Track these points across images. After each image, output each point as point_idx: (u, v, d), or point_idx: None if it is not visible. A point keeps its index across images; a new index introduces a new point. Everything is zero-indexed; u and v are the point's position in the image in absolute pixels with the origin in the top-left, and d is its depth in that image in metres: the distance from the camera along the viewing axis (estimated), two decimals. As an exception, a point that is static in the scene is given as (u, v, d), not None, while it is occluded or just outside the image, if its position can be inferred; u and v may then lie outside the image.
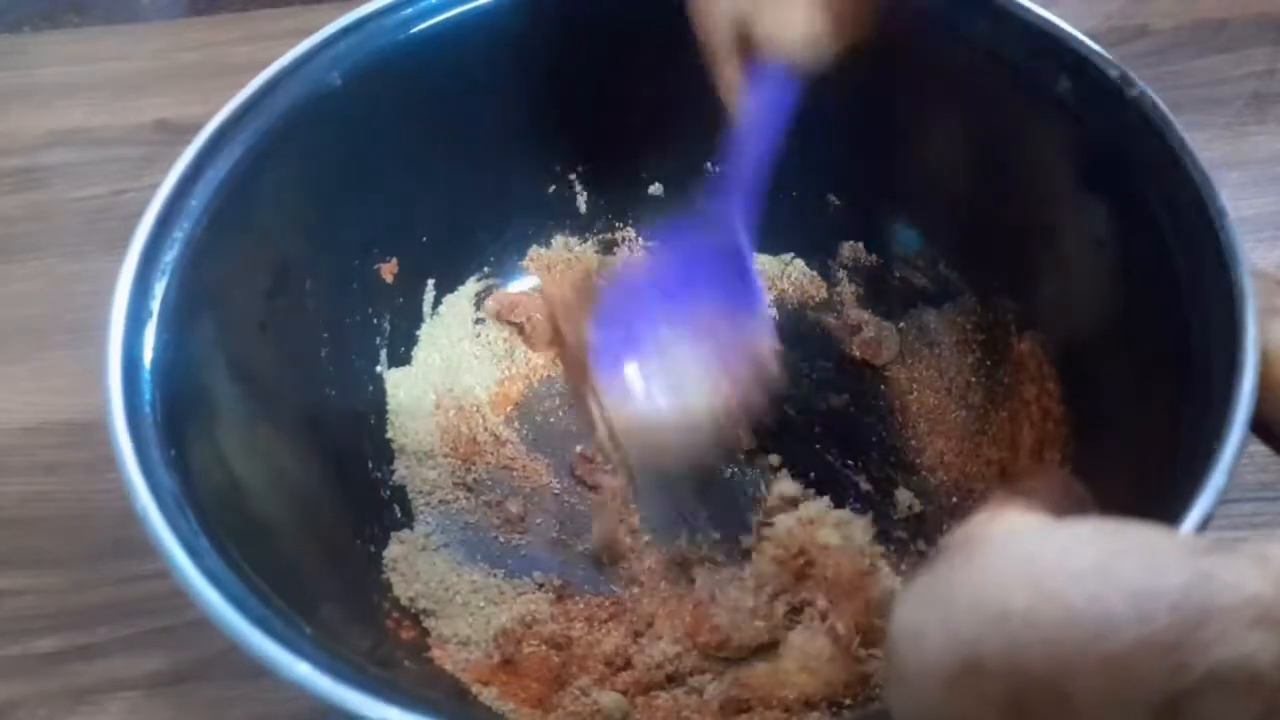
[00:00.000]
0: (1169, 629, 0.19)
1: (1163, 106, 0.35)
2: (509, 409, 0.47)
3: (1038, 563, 0.21)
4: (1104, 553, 0.20)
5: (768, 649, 0.40)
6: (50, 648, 0.43)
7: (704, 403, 0.38)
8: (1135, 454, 0.33)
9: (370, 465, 0.43)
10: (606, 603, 0.41)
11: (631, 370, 0.39)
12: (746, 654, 0.39)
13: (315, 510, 0.39)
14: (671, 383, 0.39)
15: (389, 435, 0.45)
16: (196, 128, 0.37)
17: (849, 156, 0.45)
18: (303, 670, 0.27)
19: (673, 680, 0.39)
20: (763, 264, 0.49)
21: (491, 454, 0.45)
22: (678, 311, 0.39)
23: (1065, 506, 0.25)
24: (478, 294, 0.48)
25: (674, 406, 0.38)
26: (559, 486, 0.45)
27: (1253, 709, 0.19)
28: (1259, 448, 0.30)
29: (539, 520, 0.44)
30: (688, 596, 0.41)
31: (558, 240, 0.50)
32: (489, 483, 0.45)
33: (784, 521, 0.42)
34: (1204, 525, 0.28)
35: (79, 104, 0.61)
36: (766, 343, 0.39)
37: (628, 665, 0.39)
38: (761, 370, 0.38)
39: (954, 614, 0.21)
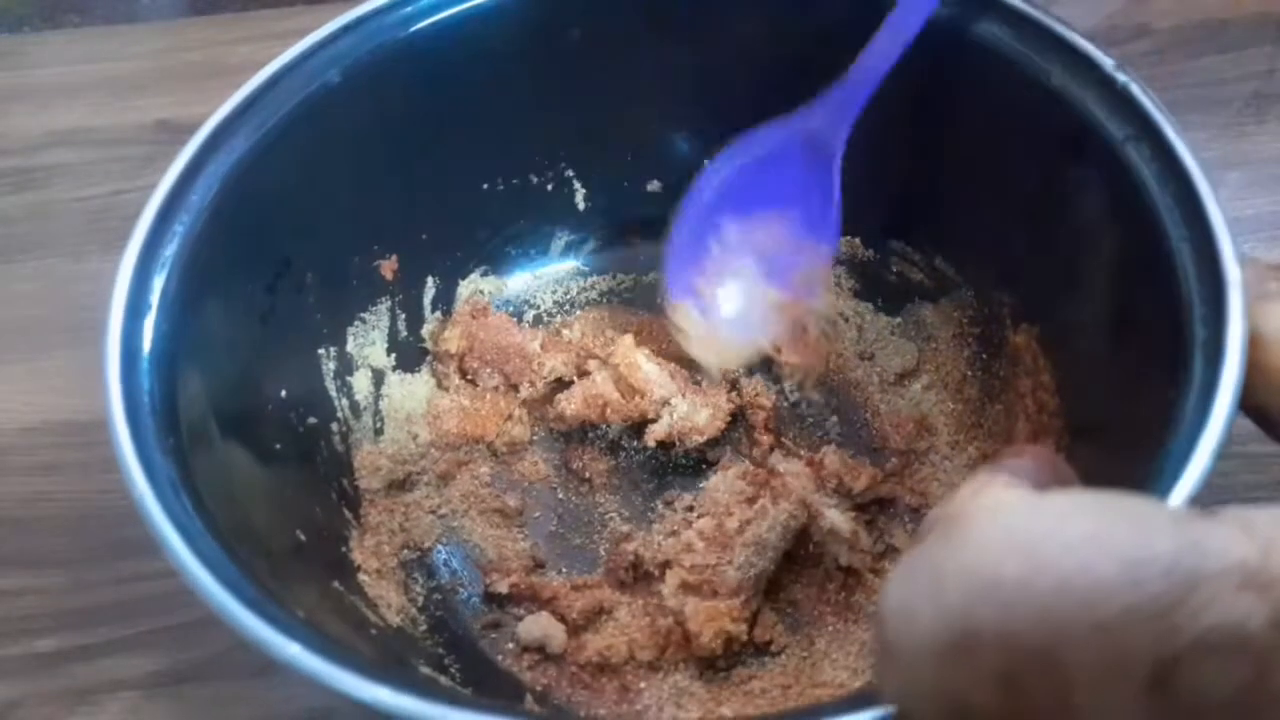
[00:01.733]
0: (1161, 595, 0.19)
1: (1154, 98, 0.35)
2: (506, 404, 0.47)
3: (1027, 533, 0.21)
4: (1093, 522, 0.21)
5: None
6: (50, 648, 0.43)
7: (755, 320, 0.45)
8: (1128, 445, 0.33)
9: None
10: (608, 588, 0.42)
11: (697, 293, 0.45)
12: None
13: (312, 502, 0.40)
14: (729, 302, 0.45)
15: (387, 430, 0.45)
16: (196, 128, 0.37)
17: (846, 154, 0.45)
18: (294, 651, 0.27)
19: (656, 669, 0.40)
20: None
21: (489, 449, 0.45)
22: (739, 223, 0.44)
23: (1049, 483, 0.25)
24: (476, 291, 0.48)
25: (728, 322, 0.45)
26: (557, 481, 0.45)
27: (1242, 671, 0.19)
28: (1263, 448, 0.31)
29: (537, 514, 0.45)
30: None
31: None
32: (487, 477, 0.45)
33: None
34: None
35: (79, 104, 0.61)
36: (824, 273, 0.44)
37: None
38: (811, 299, 0.44)
39: (945, 587, 0.21)
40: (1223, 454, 0.29)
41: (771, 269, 0.45)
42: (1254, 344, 0.30)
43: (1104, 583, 0.19)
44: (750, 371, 0.46)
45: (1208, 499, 0.28)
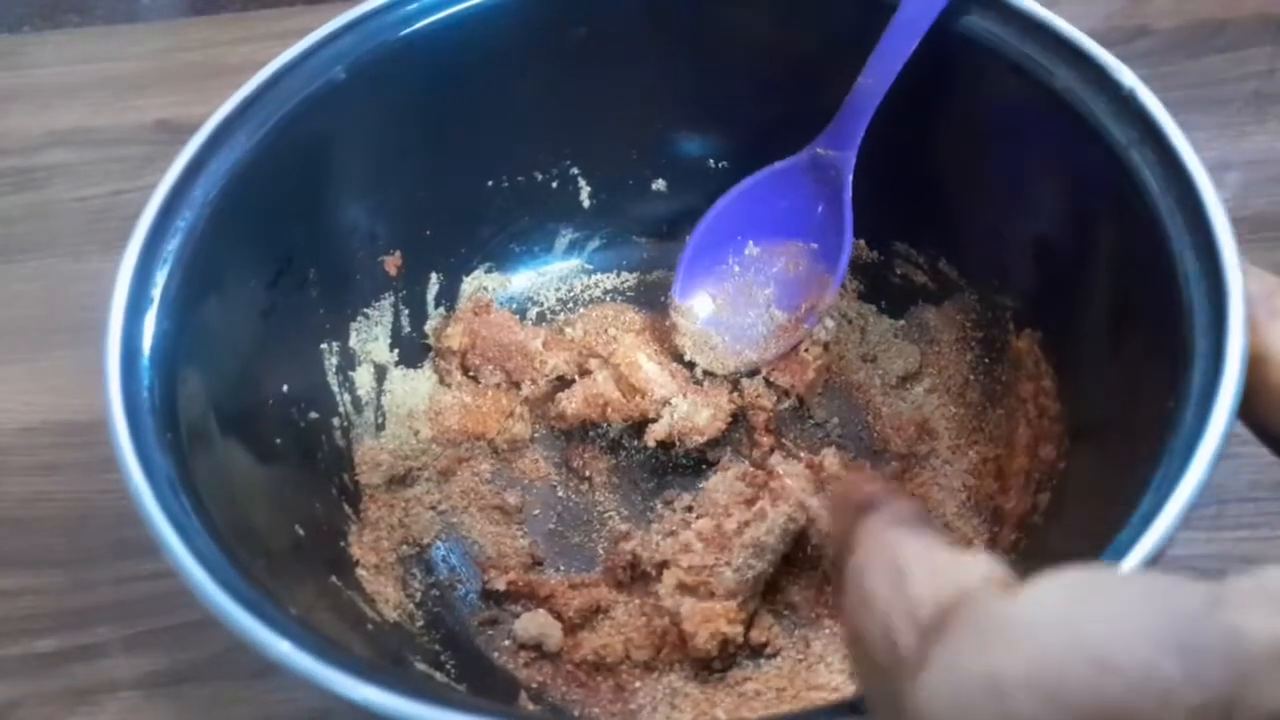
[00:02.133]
0: (1222, 690, 0.19)
1: (1156, 101, 0.35)
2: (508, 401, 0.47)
3: (1079, 631, 0.20)
4: (1138, 613, 0.20)
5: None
6: (50, 648, 0.43)
7: (756, 337, 0.46)
8: (1128, 449, 0.32)
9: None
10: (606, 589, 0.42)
11: (703, 298, 0.47)
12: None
13: (311, 497, 0.40)
14: (735, 314, 0.46)
15: (388, 425, 0.45)
16: (197, 128, 0.37)
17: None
18: (284, 648, 0.27)
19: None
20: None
21: (490, 446, 0.46)
22: (762, 245, 0.47)
23: (927, 525, 0.24)
24: (480, 287, 0.48)
25: (729, 331, 0.46)
26: (557, 479, 0.45)
27: None
28: (1262, 449, 0.30)
29: (536, 512, 0.45)
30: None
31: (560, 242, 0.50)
32: (487, 474, 0.45)
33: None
34: (1184, 520, 0.28)
35: (79, 104, 0.61)
36: (829, 300, 0.45)
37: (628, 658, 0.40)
38: (811, 325, 0.46)
39: (1007, 698, 0.20)
40: (1223, 455, 0.29)
41: (782, 292, 0.47)
42: (1259, 362, 0.29)
43: (1172, 685, 0.19)
44: (752, 373, 0.46)
45: (1208, 499, 0.28)
